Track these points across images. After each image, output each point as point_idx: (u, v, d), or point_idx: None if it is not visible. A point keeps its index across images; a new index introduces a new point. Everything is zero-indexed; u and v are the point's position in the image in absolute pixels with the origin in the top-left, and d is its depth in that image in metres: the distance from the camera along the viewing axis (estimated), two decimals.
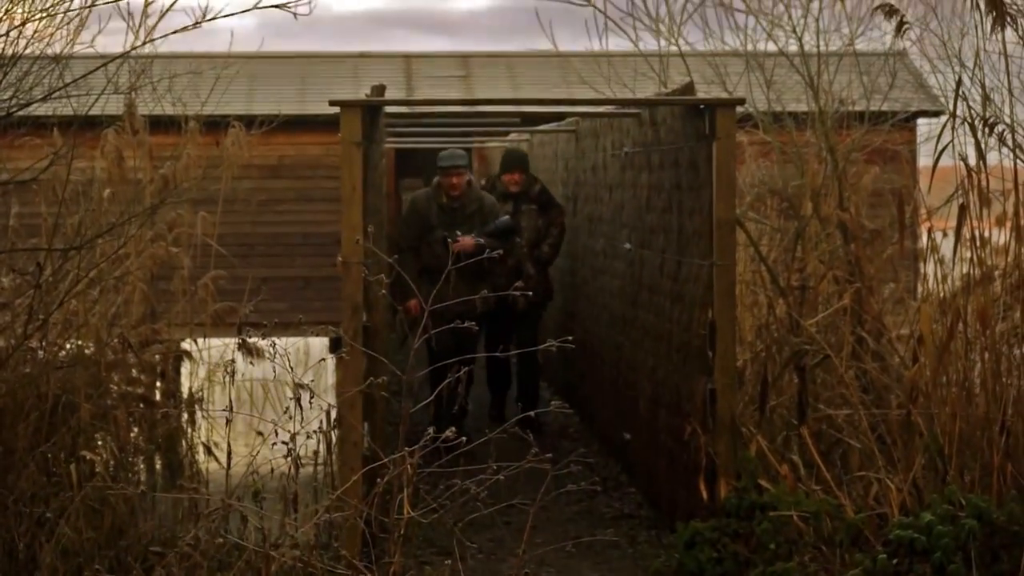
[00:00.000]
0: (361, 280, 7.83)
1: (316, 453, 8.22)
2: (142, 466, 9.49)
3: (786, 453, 8.14)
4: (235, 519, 6.56)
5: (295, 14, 7.87)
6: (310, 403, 6.34)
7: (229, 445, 6.75)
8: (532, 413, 7.93)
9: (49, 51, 8.15)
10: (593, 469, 10.02)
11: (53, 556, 5.95)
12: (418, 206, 11.01)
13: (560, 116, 13.01)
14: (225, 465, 6.64)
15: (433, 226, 10.83)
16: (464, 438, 5.58)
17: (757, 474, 7.86)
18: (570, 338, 6.65)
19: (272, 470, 5.94)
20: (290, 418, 5.91)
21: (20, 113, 8.07)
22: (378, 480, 5.87)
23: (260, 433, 5.72)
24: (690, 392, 8.24)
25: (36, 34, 8.10)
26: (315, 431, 7.06)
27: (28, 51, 8.04)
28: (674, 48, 10.04)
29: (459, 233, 10.53)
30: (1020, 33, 7.81)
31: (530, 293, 8.24)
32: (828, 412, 8.50)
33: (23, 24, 8.02)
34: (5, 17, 7.92)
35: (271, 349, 6.45)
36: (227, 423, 6.34)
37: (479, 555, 7.91)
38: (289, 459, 5.68)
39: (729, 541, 7.58)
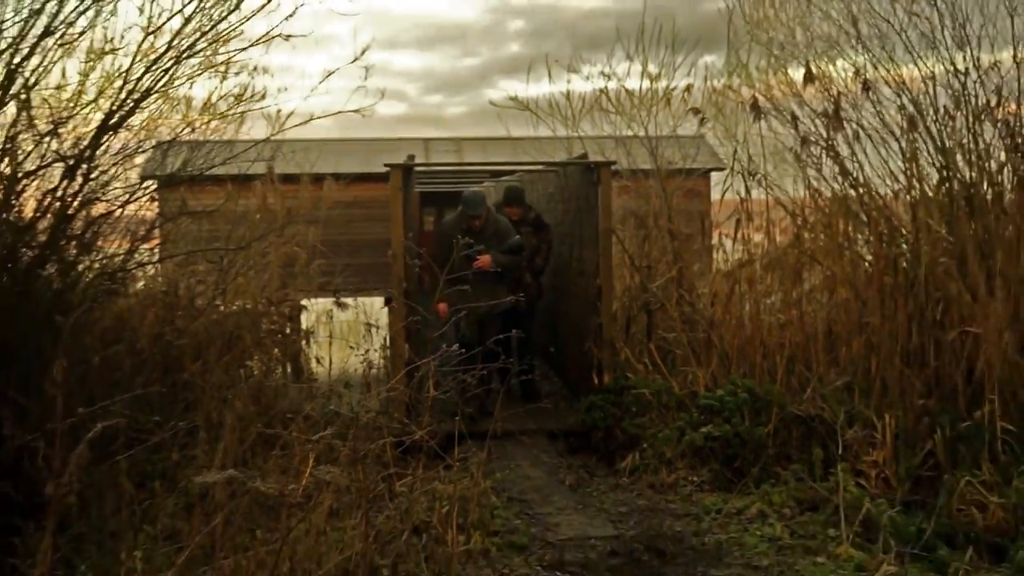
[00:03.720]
0: (403, 264, 7.82)
1: (380, 360, 8.17)
2: (279, 370, 9.44)
3: (640, 358, 8.18)
4: (334, 399, 6.56)
5: (363, 115, 7.89)
6: (375, 333, 6.34)
7: (330, 358, 6.74)
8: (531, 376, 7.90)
9: (223, 137, 8.11)
10: (534, 368, 10.01)
11: (233, 420, 5.90)
12: (446, 230, 8.59)
13: (512, 172, 12.98)
14: (327, 368, 6.64)
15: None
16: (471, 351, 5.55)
17: (625, 369, 7.93)
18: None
19: (357, 370, 5.92)
20: (366, 340, 5.91)
21: (207, 173, 8.02)
22: (414, 375, 5.87)
23: (351, 347, 5.66)
24: (588, 325, 8.29)
25: (216, 128, 8.05)
26: (378, 348, 7.07)
27: (211, 137, 8.01)
28: (575, 133, 10.05)
29: (481, 247, 8.08)
30: (768, 124, 7.88)
31: (522, 296, 7.18)
32: (664, 335, 8.53)
33: (208, 122, 7.97)
34: (199, 120, 7.87)
35: (355, 303, 6.43)
36: (329, 344, 6.32)
37: (470, 418, 7.88)
38: (365, 363, 5.65)
39: (610, 406, 7.66)
